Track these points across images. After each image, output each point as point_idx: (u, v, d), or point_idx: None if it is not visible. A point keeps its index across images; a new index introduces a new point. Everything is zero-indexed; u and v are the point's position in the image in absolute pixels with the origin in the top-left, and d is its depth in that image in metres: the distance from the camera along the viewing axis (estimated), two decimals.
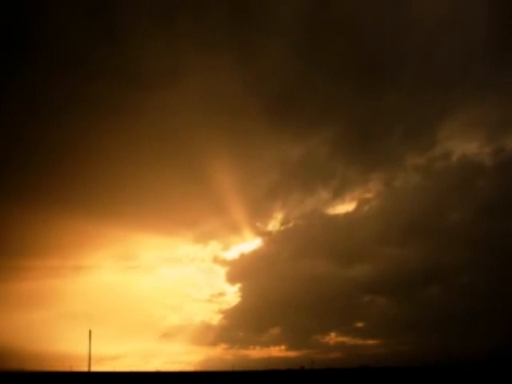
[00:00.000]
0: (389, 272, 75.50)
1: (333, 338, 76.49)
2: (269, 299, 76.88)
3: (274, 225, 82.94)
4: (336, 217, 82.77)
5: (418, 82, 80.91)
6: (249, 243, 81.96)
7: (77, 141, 76.14)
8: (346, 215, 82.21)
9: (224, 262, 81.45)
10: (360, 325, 76.36)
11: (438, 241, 75.73)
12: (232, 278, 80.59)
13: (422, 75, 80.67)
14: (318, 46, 79.85)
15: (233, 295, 79.79)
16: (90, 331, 61.58)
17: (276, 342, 75.85)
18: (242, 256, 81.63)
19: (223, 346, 76.03)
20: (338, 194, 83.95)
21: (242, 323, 77.35)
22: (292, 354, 75.34)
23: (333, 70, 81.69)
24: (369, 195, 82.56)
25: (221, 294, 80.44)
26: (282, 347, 75.83)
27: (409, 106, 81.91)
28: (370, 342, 76.02)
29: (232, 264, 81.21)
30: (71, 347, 65.25)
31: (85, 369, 60.26)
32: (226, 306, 79.32)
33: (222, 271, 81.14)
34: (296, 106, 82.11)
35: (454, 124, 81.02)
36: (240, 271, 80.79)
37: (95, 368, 61.04)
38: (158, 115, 78.69)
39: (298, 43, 79.74)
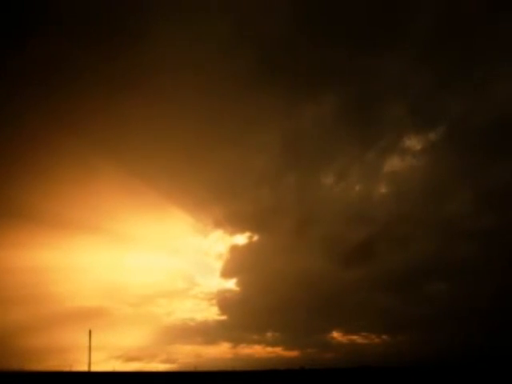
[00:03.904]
0: (389, 267, 74.92)
1: (333, 337, 76.55)
2: (268, 297, 76.34)
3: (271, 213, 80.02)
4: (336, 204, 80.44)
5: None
6: (245, 236, 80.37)
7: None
8: (347, 203, 79.97)
9: (221, 256, 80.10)
10: (361, 323, 75.95)
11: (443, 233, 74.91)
12: (229, 273, 79.23)
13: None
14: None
15: (232, 292, 79.06)
16: (90, 331, 61.21)
17: (276, 342, 75.82)
18: (239, 250, 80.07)
19: (224, 344, 75.86)
20: (339, 177, 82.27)
21: (242, 322, 76.82)
22: (292, 353, 75.35)
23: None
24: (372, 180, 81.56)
25: (220, 291, 79.38)
26: (282, 347, 75.80)
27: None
28: (371, 341, 76.02)
29: (230, 258, 79.66)
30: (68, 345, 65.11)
31: (85, 369, 59.97)
32: (225, 304, 78.25)
33: (219, 265, 79.90)
34: (290, 66, 78.71)
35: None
36: (237, 265, 79.24)
37: (95, 368, 60.90)
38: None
39: None
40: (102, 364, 63.44)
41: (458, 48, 76.51)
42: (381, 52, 77.76)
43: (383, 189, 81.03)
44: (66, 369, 60.30)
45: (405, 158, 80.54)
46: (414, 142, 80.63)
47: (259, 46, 76.99)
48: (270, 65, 77.82)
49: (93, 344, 60.47)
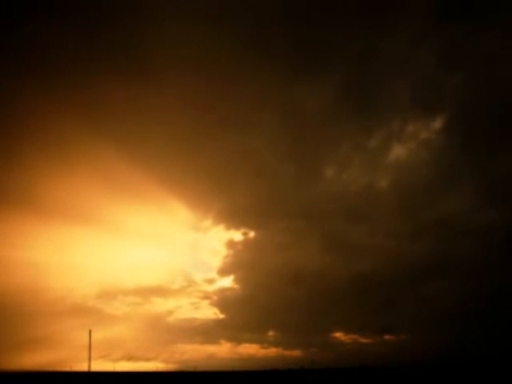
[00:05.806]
0: (390, 265, 74.55)
1: (335, 336, 76.30)
2: (268, 295, 76.08)
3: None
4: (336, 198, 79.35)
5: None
6: (242, 232, 79.75)
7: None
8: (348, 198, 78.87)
9: (218, 253, 79.80)
10: (362, 323, 75.36)
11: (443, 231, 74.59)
12: (227, 270, 78.77)
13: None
14: None
15: (230, 291, 78.65)
16: (90, 331, 61.16)
17: (276, 342, 75.58)
18: (236, 247, 79.53)
19: (224, 344, 75.66)
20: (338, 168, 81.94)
21: (242, 321, 76.24)
22: (293, 353, 75.13)
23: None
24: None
25: (218, 289, 78.75)
26: (283, 346, 75.56)
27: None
28: (372, 340, 75.75)
29: (227, 255, 79.36)
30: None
31: (85, 369, 59.94)
32: (223, 302, 77.54)
33: (217, 262, 79.69)
34: (288, 51, 77.72)
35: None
36: (234, 262, 78.90)
37: (95, 368, 60.90)
38: None
39: None
40: (102, 363, 63.68)
41: (460, 31, 75.56)
42: (381, 34, 77.43)
43: (383, 183, 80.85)
44: (66, 369, 60.65)
45: (406, 148, 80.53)
46: (415, 131, 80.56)
47: (257, 30, 75.99)
48: (267, 49, 77.06)
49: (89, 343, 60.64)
